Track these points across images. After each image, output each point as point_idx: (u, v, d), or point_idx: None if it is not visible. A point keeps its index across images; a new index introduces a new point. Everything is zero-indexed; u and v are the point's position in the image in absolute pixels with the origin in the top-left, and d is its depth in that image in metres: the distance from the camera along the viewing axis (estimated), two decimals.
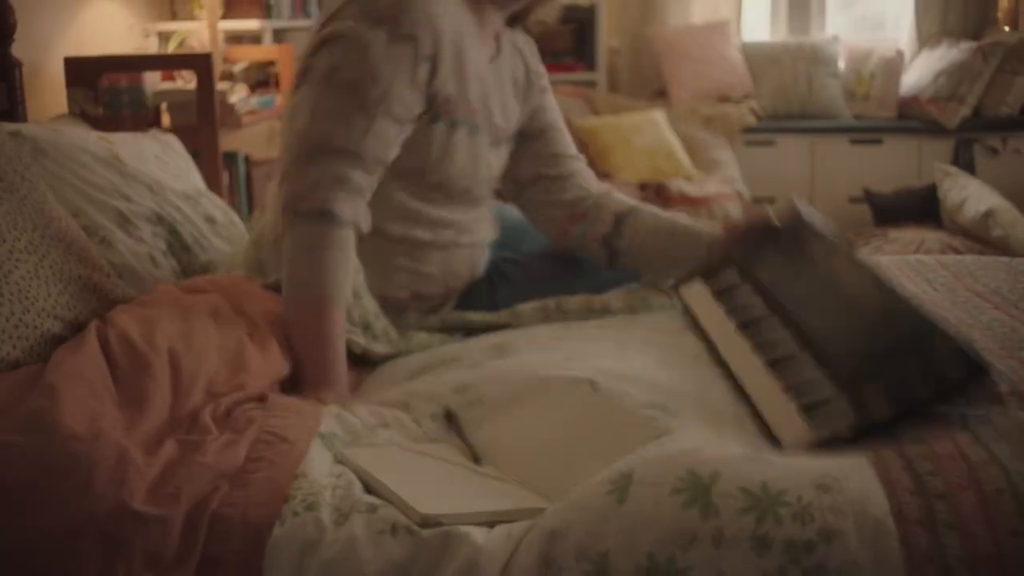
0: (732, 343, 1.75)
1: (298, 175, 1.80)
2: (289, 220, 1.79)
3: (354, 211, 1.80)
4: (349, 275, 1.80)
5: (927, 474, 1.25)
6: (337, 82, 1.82)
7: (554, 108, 2.23)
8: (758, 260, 1.89)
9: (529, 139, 2.19)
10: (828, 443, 1.39)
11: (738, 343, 1.73)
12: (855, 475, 1.26)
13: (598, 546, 1.21)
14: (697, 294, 1.95)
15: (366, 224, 1.84)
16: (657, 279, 2.13)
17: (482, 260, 2.14)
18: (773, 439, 1.44)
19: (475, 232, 2.08)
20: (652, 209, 2.19)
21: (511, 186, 2.22)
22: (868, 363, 1.48)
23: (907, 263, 2.36)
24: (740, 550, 1.18)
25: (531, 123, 2.18)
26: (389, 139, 1.84)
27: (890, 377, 1.44)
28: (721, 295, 1.89)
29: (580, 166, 2.23)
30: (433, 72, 1.86)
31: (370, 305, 1.90)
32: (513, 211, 2.30)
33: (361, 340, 1.86)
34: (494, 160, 2.08)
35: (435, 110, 1.90)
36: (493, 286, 2.14)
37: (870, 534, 1.19)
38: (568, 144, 2.24)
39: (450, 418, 1.54)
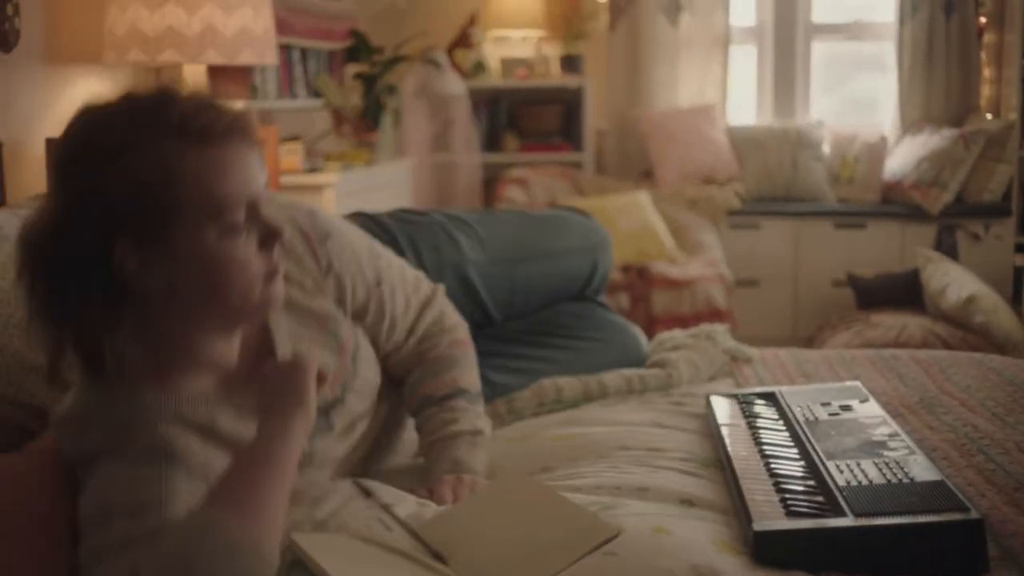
0: (741, 442, 1.76)
1: None
2: None
3: None
4: None
5: None
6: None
7: (358, 312, 1.81)
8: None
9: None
10: (798, 535, 1.37)
11: (748, 445, 1.74)
12: None
13: None
14: (724, 403, 1.99)
15: None
16: None
17: None
18: (747, 518, 1.43)
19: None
20: (442, 417, 1.83)
21: None
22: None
23: (881, 358, 2.36)
24: None
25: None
26: None
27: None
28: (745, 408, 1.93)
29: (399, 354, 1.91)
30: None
31: None
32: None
33: None
34: (331, 446, 1.72)
35: None
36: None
37: None
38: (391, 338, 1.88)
39: (366, 492, 1.53)
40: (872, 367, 2.29)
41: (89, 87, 3.57)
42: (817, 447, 1.65)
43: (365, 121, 5.08)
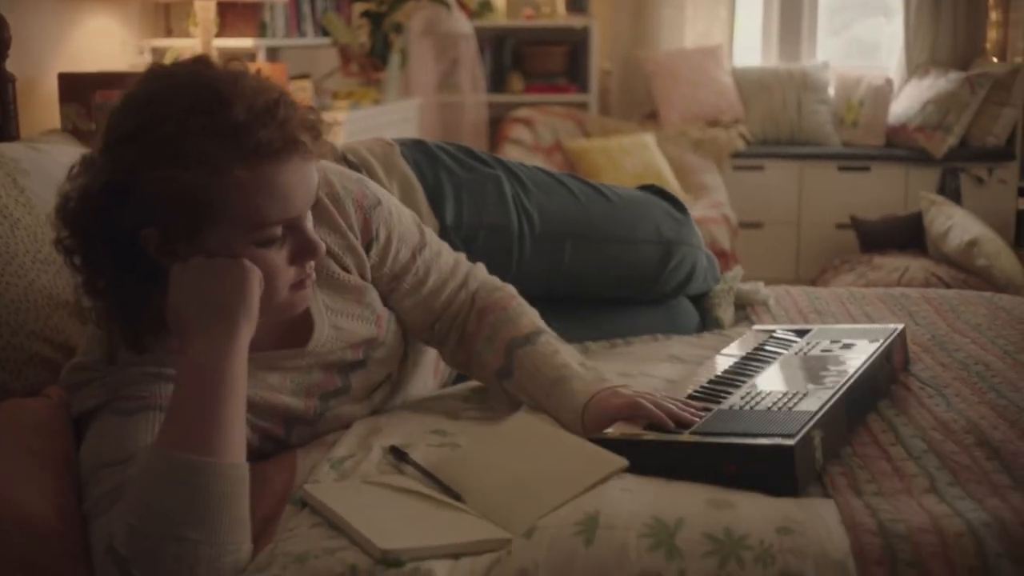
0: (712, 370, 1.81)
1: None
2: None
3: None
4: None
5: (890, 520, 1.29)
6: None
7: (401, 273, 1.75)
8: None
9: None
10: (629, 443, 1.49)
11: (713, 372, 1.79)
12: (818, 518, 1.29)
13: None
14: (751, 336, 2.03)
15: None
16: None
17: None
18: None
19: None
20: (547, 347, 1.70)
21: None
22: None
23: (891, 296, 2.39)
24: None
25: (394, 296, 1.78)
26: None
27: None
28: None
29: (452, 307, 1.80)
30: None
31: None
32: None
33: None
34: (347, 407, 1.72)
35: None
36: None
37: (830, 575, 1.22)
38: (436, 306, 1.79)
39: (399, 454, 1.55)
40: (883, 305, 2.31)
41: (101, 24, 3.57)
42: (760, 377, 1.72)
43: (372, 60, 5.08)
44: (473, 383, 1.87)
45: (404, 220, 1.76)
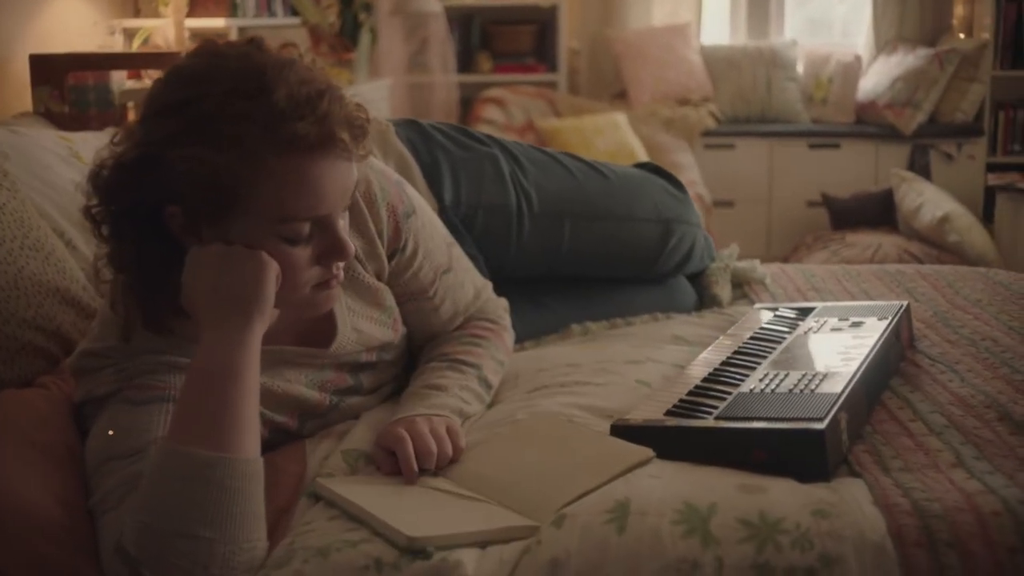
0: (720, 351, 1.78)
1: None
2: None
3: None
4: None
5: (924, 500, 1.26)
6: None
7: (416, 292, 1.73)
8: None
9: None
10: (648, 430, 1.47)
11: (721, 354, 1.76)
12: (851, 499, 1.27)
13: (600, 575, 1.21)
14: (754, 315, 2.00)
15: None
16: None
17: None
18: None
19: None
20: (431, 366, 1.70)
21: None
22: None
23: (887, 273, 2.37)
24: None
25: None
26: None
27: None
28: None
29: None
30: None
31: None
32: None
33: None
34: (357, 399, 1.68)
35: None
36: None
37: (870, 558, 1.20)
38: (437, 330, 1.78)
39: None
40: (879, 282, 2.29)
41: (71, 5, 3.50)
42: (772, 359, 1.69)
43: (342, 40, 5.01)
44: None
45: (435, 237, 1.73)
